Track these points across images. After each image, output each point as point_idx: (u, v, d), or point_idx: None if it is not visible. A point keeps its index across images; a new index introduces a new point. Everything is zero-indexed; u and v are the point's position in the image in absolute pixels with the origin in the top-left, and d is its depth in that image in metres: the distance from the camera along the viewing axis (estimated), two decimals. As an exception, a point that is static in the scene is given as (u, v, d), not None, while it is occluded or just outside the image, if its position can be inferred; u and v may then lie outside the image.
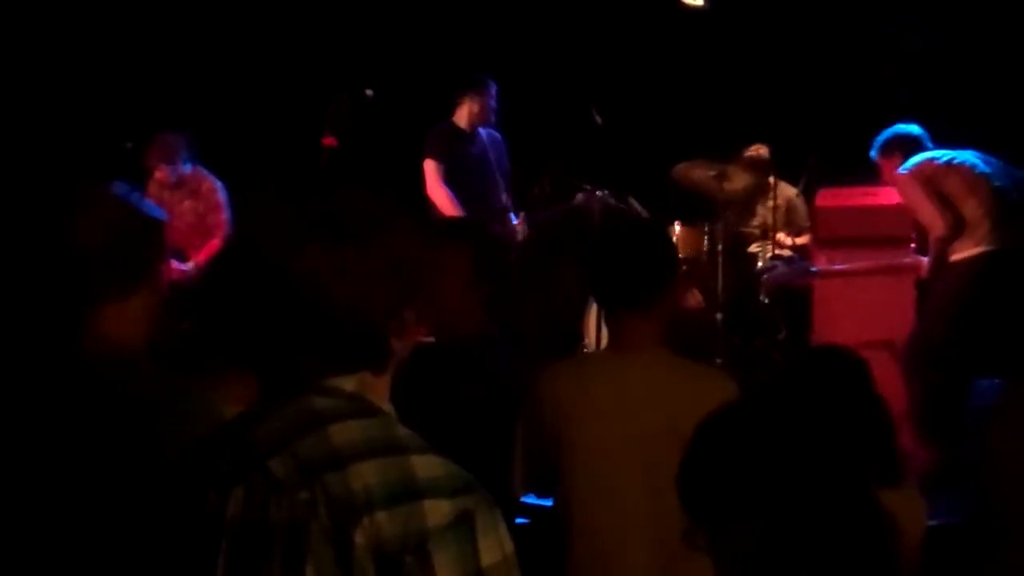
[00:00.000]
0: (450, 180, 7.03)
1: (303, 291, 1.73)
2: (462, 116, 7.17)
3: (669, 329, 3.23)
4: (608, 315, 3.29)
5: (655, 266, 3.17)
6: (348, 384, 1.75)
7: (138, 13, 8.02)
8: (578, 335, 6.90)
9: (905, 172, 6.22)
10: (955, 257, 6.12)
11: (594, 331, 6.58)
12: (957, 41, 7.11)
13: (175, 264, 7.06)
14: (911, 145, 6.31)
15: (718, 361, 6.40)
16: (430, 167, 7.05)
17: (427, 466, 1.67)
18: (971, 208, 6.08)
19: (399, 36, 8.20)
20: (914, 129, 6.36)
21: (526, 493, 3.27)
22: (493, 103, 7.19)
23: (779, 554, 1.85)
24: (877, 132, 6.37)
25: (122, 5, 8.02)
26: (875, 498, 1.92)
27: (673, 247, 3.50)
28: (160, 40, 8.07)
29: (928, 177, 6.16)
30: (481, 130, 7.23)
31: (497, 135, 7.33)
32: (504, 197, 7.25)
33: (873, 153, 6.43)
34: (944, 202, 6.10)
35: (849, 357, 3.21)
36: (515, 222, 7.26)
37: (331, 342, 1.74)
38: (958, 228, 6.09)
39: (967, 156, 6.22)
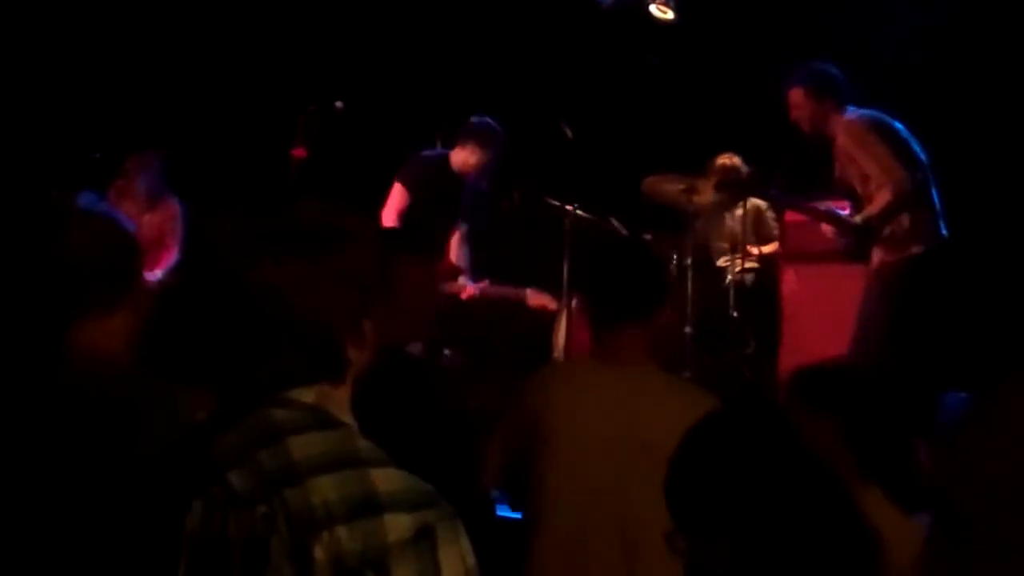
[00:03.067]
0: (412, 213, 6.87)
1: (259, 303, 1.73)
2: (458, 157, 6.98)
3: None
4: (601, 328, 3.31)
5: (655, 279, 3.29)
6: (307, 396, 1.75)
7: (107, 23, 7.99)
8: (548, 348, 6.90)
9: (867, 119, 6.08)
10: (892, 257, 5.97)
11: (563, 344, 6.59)
12: (930, 56, 7.15)
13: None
14: (844, 95, 6.16)
15: (687, 375, 6.41)
16: (394, 191, 6.93)
17: (387, 480, 1.66)
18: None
19: (369, 48, 8.19)
20: (842, 76, 6.21)
21: (496, 487, 3.34)
22: (493, 162, 6.97)
23: (760, 566, 1.85)
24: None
25: (90, 15, 7.98)
26: (861, 517, 1.92)
27: (664, 263, 3.63)
28: (129, 50, 8.04)
29: (892, 135, 6.02)
30: (472, 178, 7.05)
31: (482, 186, 7.15)
32: (459, 254, 7.09)
33: (799, 83, 6.20)
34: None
35: (859, 376, 3.22)
36: (469, 285, 6.99)
37: (288, 354, 1.74)
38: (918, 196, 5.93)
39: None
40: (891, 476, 2.95)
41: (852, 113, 6.13)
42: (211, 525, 1.66)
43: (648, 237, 7.15)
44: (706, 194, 7.08)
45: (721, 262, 7.41)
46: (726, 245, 7.41)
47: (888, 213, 5.92)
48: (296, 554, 1.60)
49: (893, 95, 6.85)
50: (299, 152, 6.52)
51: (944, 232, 6.05)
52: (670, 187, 7.08)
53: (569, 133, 7.24)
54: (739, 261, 7.16)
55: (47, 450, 2.00)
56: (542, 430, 3.15)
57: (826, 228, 6.33)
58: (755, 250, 7.33)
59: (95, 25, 7.98)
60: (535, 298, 7.00)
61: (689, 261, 6.89)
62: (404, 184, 6.92)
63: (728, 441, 1.93)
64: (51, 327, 2.09)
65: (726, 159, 7.47)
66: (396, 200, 6.89)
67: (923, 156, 6.03)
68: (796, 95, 6.24)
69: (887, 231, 5.97)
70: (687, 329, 6.73)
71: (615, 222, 7.18)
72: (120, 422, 2.03)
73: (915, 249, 5.95)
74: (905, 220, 5.95)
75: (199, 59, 8.12)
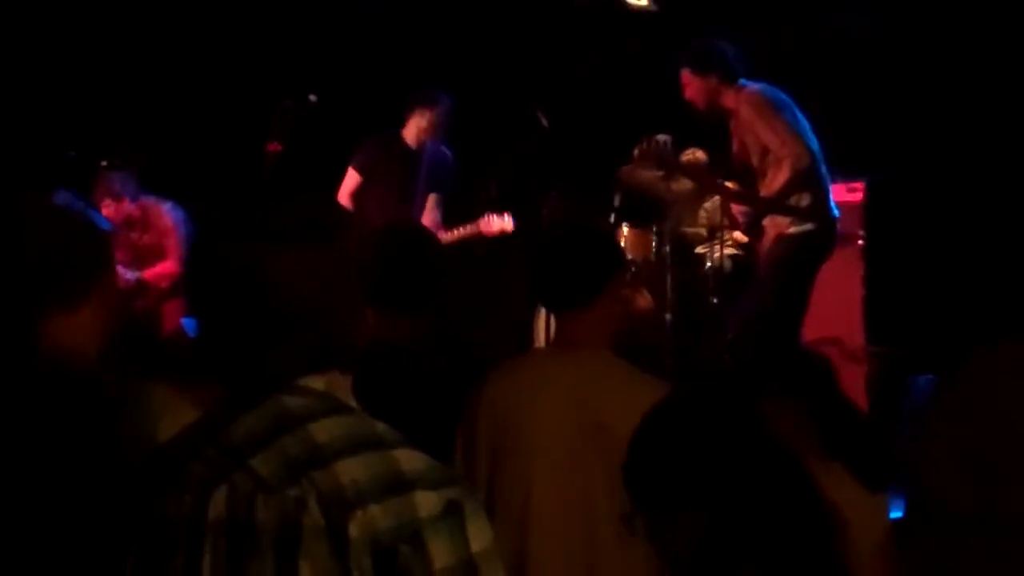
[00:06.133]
0: (369, 193, 7.10)
1: (279, 294, 1.75)
2: (410, 130, 7.17)
3: (618, 330, 3.27)
4: (555, 316, 3.34)
5: (585, 265, 3.23)
6: (317, 383, 1.78)
7: (80, 20, 7.95)
8: (529, 337, 6.91)
9: (768, 92, 6.12)
10: (790, 230, 6.03)
11: (543, 333, 6.59)
12: (899, 45, 7.18)
13: (121, 272, 6.99)
14: (731, 69, 6.18)
15: (668, 362, 6.43)
16: (347, 174, 7.18)
17: (410, 459, 1.71)
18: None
19: (343, 41, 8.18)
20: (731, 50, 6.24)
21: None
22: (443, 119, 7.14)
23: (719, 546, 1.88)
24: (821, 134, 6.36)
25: (62, 12, 7.94)
26: (821, 497, 1.94)
27: (612, 246, 3.56)
28: (103, 47, 8.00)
29: (791, 111, 6.06)
30: (429, 146, 7.19)
31: (444, 153, 7.27)
32: (423, 217, 7.17)
33: (683, 63, 6.23)
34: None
35: (817, 360, 3.26)
36: None
37: (306, 343, 1.78)
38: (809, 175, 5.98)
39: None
40: (853, 454, 2.99)
41: (753, 85, 6.18)
42: (236, 512, 1.67)
43: (624, 226, 7.18)
44: (684, 182, 7.09)
45: (699, 249, 7.42)
46: (704, 233, 7.42)
47: (789, 188, 6.00)
48: (331, 534, 1.63)
49: (867, 79, 6.89)
50: (274, 146, 6.52)
51: (835, 212, 6.14)
52: (648, 175, 7.08)
53: (545, 123, 7.25)
54: (717, 248, 7.17)
55: (25, 447, 1.99)
56: (497, 434, 3.15)
57: (736, 208, 6.40)
58: (737, 233, 7.31)
59: (68, 22, 7.93)
60: (490, 226, 7.10)
61: (668, 249, 6.90)
62: (355, 167, 7.17)
63: (687, 420, 1.97)
64: (12, 326, 2.07)
65: (689, 155, 7.46)
66: (348, 183, 7.16)
67: (814, 138, 6.12)
68: (683, 75, 6.29)
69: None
70: (667, 317, 6.75)
71: (556, 196, 7.14)
72: (95, 418, 2.02)
73: (810, 224, 6.02)
74: (803, 196, 6.02)
75: (173, 55, 8.09)
